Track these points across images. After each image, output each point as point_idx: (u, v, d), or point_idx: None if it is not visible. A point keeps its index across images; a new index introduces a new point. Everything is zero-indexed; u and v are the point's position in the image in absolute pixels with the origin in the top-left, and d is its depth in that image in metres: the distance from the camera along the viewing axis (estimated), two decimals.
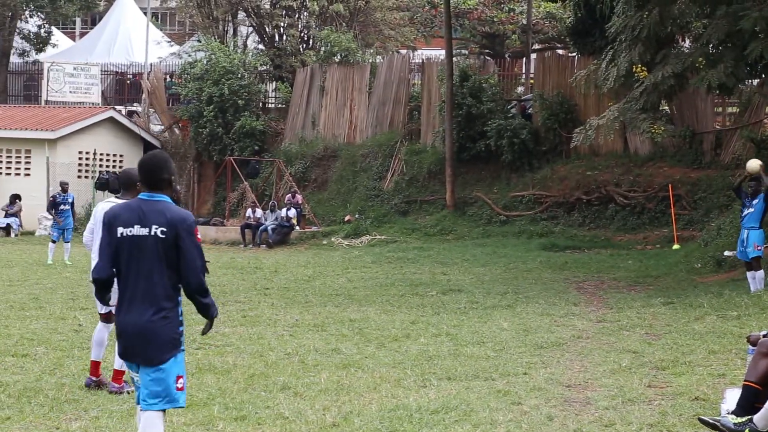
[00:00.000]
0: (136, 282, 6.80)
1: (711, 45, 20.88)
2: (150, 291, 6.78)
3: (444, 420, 9.27)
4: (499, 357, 12.53)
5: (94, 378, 10.66)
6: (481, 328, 15.06)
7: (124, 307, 6.87)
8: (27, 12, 50.24)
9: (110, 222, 6.91)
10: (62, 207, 26.39)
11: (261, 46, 44.51)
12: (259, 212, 34.38)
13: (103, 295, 7.21)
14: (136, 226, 6.80)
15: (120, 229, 6.83)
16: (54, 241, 26.12)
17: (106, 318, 10.63)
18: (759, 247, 17.61)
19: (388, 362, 12.16)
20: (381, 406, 9.78)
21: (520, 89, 39.94)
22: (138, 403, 7.04)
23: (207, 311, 7.24)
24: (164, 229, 6.77)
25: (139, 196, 6.98)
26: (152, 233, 6.77)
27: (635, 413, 9.52)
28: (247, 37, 46.12)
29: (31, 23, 50.96)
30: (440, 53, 39.59)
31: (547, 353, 12.97)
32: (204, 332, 7.47)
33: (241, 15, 45.01)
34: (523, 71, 42.97)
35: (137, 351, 6.84)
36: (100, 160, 38.44)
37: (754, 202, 17.72)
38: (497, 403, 9.97)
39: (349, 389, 10.65)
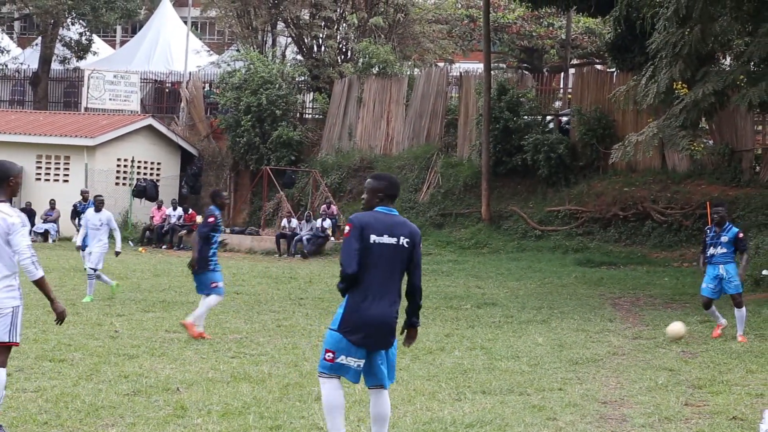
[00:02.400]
0: (382, 283, 8.03)
1: (753, 63, 20.78)
2: (393, 290, 8.09)
3: None
4: (534, 372, 12.50)
5: None
6: (516, 342, 15.03)
7: (368, 302, 7.99)
8: (69, 19, 50.53)
9: (363, 230, 8.01)
10: (83, 215, 25.69)
11: (299, 57, 44.59)
12: (294, 222, 34.45)
13: (347, 287, 8.05)
14: (385, 236, 8.04)
15: (373, 237, 8.01)
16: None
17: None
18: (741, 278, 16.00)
19: (423, 375, 12.15)
20: (415, 418, 9.75)
21: (557, 104, 39.78)
22: (368, 386, 8.25)
23: (419, 310, 8.38)
24: (408, 240, 8.12)
25: (378, 210, 8.19)
26: (399, 243, 8.08)
27: (672, 431, 9.46)
28: (286, 47, 46.19)
29: (73, 31, 51.24)
30: (478, 67, 39.51)
31: (583, 369, 12.92)
32: (409, 343, 8.53)
33: (280, 25, 45.12)
34: (561, 86, 42.81)
35: (379, 337, 8.03)
36: (138, 167, 38.60)
37: (722, 239, 15.71)
38: (532, 418, 9.94)
39: None
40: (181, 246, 34.95)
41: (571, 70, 43.15)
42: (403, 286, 8.29)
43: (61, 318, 8.62)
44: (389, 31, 43.48)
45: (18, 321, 8.51)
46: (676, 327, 15.01)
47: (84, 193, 27.30)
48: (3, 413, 9.48)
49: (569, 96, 38.16)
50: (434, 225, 34.05)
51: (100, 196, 21.72)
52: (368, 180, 8.55)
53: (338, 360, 7.93)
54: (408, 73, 40.96)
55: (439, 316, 18.11)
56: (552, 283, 24.60)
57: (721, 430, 9.52)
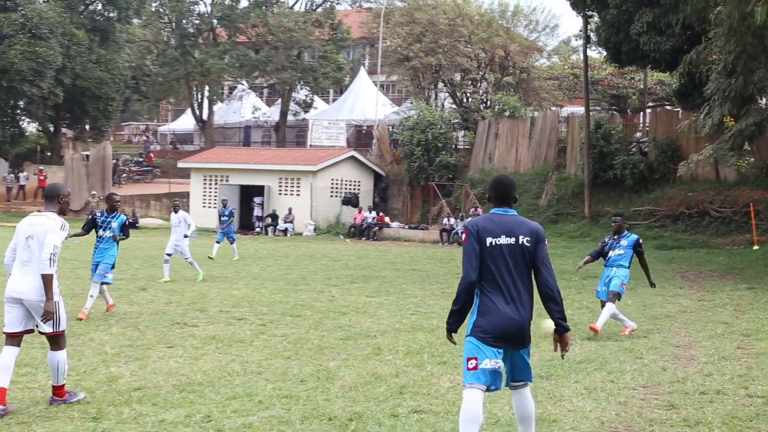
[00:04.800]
0: (508, 283, 5.62)
1: None
2: (521, 290, 5.64)
3: (586, 368, 9.04)
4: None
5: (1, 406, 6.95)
6: None
7: (498, 304, 5.60)
8: (298, 86, 51.80)
9: (479, 233, 5.67)
10: (222, 218, 23.89)
11: (453, 105, 44.53)
12: (452, 220, 34.38)
13: (468, 297, 5.69)
14: (502, 236, 5.66)
15: (489, 239, 5.64)
16: (218, 242, 23.44)
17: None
18: (624, 285, 11.88)
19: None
20: (540, 357, 9.60)
21: (638, 134, 38.59)
22: (508, 386, 5.82)
23: (562, 312, 5.84)
24: (528, 238, 5.71)
25: (493, 212, 5.82)
26: (519, 242, 5.68)
27: (728, 367, 9.07)
28: (444, 99, 46.21)
29: (301, 93, 52.48)
30: (580, 109, 38.70)
31: (660, 322, 12.52)
32: (565, 352, 5.97)
33: (440, 85, 45.19)
34: (641, 122, 41.52)
35: (514, 337, 5.62)
36: (345, 185, 39.20)
37: (622, 242, 12.01)
38: (624, 357, 9.67)
39: None
40: (375, 238, 35.29)
41: (648, 111, 41.80)
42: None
43: (47, 316, 7.01)
44: (516, 86, 43.03)
45: (61, 313, 7.18)
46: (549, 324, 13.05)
47: (224, 201, 25.90)
48: (270, 348, 9.72)
49: (647, 128, 36.98)
50: (551, 221, 33.48)
51: (177, 199, 20.30)
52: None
53: (481, 365, 5.59)
54: (530, 115, 40.44)
55: None
56: (636, 262, 23.85)
57: (765, 366, 9.08)
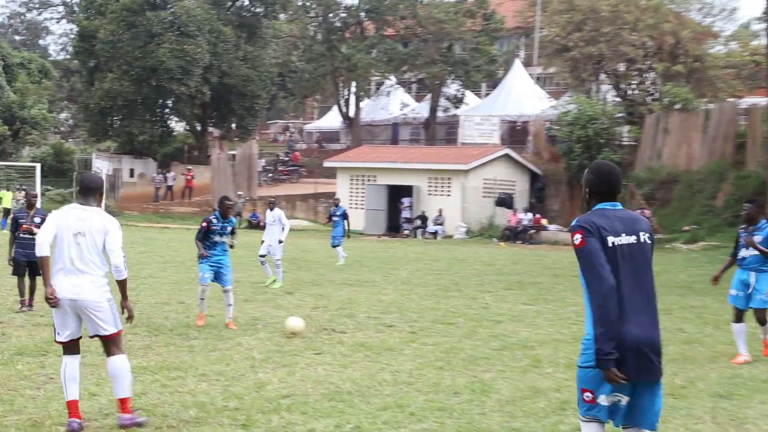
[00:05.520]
0: (635, 293, 4.74)
1: None
2: (650, 300, 4.80)
3: None
4: None
5: (77, 420, 6.82)
6: None
7: (624, 320, 4.67)
8: (449, 80, 51.95)
9: (599, 232, 4.79)
10: (333, 218, 23.53)
11: (617, 99, 43.40)
12: None
13: (614, 306, 4.65)
14: (623, 235, 4.81)
15: (611, 239, 4.77)
16: (335, 246, 23.25)
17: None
18: None
19: (724, 340, 11.40)
20: (720, 374, 9.20)
21: None
22: (623, 425, 4.85)
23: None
24: (648, 235, 4.90)
25: (601, 206, 4.98)
26: (641, 240, 4.86)
27: None
28: (607, 92, 45.11)
29: (451, 88, 52.59)
30: (762, 100, 36.87)
31: None
32: None
33: (602, 76, 44.16)
34: None
35: (646, 362, 4.68)
36: (498, 184, 38.96)
37: (757, 237, 10.11)
38: None
39: (692, 360, 10.11)
40: (531, 242, 34.89)
41: None
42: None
43: (130, 316, 6.99)
44: (688, 75, 41.45)
45: (116, 312, 6.91)
46: (294, 323, 11.55)
47: (335, 200, 26.12)
48: (422, 357, 9.76)
49: None
50: (728, 224, 32.01)
51: (272, 199, 20.16)
52: (586, 172, 5.25)
53: (600, 400, 4.69)
54: (704, 107, 38.89)
55: None
56: None
57: None
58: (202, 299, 12.36)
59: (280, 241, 17.70)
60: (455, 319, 13.25)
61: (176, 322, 12.24)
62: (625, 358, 4.62)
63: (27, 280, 13.24)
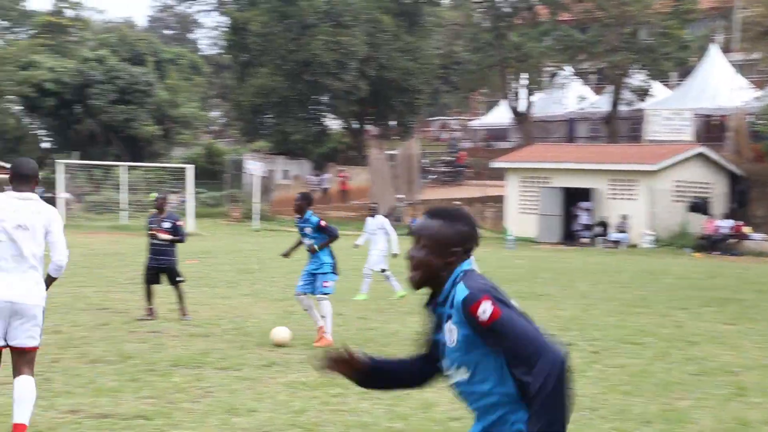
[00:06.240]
0: None
1: None
2: None
3: None
4: None
5: None
6: None
7: None
8: (633, 70, 50.94)
9: None
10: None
11: None
12: None
13: None
14: None
15: None
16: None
17: None
18: None
19: None
20: None
21: None
22: None
23: None
24: None
25: None
26: None
27: None
28: None
29: (636, 79, 51.54)
30: None
31: None
32: None
33: None
34: None
35: None
36: (692, 187, 37.84)
37: None
38: None
39: None
40: (732, 252, 33.71)
41: None
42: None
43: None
44: None
45: (42, 323, 6.66)
46: (280, 334, 11.41)
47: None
48: (606, 380, 9.61)
49: None
50: None
51: (375, 203, 20.07)
52: None
53: None
54: None
55: None
56: None
57: None
58: (305, 310, 12.07)
59: (395, 255, 17.38)
60: (643, 338, 12.98)
61: (335, 335, 12.52)
62: None
63: (164, 287, 13.80)
